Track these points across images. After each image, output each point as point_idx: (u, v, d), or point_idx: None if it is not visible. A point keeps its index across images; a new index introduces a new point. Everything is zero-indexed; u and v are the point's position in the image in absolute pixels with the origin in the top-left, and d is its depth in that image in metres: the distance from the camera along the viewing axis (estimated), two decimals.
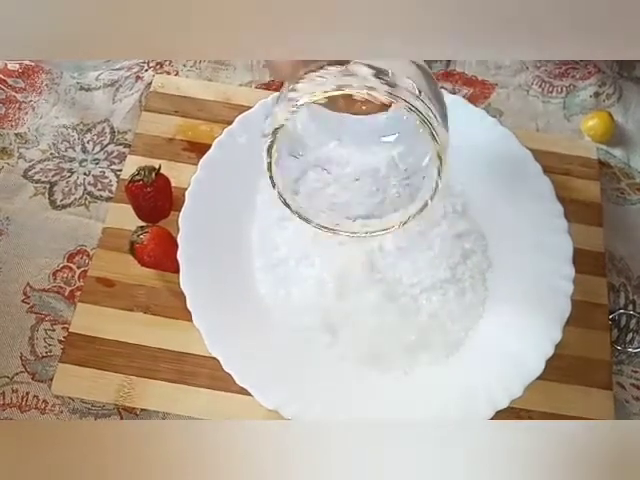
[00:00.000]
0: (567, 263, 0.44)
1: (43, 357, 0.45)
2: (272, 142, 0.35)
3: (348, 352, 0.43)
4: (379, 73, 0.31)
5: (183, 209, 0.45)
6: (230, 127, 0.48)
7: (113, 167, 0.52)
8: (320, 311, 0.44)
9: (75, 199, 0.51)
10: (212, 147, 0.47)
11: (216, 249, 0.45)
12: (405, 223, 0.37)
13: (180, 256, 0.43)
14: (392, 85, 0.31)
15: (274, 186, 0.37)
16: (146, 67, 0.57)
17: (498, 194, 0.48)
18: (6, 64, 0.57)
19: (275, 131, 0.34)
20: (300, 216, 0.40)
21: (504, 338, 0.43)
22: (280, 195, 0.38)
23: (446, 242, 0.46)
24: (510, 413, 0.42)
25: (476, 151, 0.48)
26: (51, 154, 0.53)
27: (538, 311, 0.43)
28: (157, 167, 0.47)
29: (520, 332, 0.43)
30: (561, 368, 0.44)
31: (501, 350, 0.42)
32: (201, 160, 0.47)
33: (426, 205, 0.36)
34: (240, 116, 0.48)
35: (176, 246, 0.43)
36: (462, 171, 0.48)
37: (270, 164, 0.36)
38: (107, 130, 0.54)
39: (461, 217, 0.48)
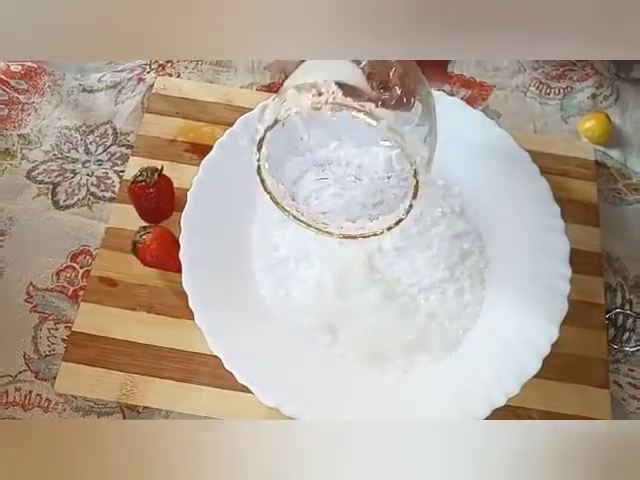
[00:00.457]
0: (564, 263, 0.45)
1: (46, 356, 0.46)
2: (258, 159, 0.36)
3: (348, 352, 0.44)
4: (301, 89, 0.33)
5: (185, 210, 0.45)
6: (231, 129, 0.48)
7: (116, 168, 0.53)
8: (320, 311, 0.44)
9: (78, 200, 0.52)
10: (213, 148, 0.48)
11: (217, 249, 0.45)
12: (397, 223, 0.37)
13: (182, 256, 0.43)
14: (320, 94, 0.32)
15: (271, 198, 0.38)
16: (148, 69, 0.58)
17: (496, 195, 0.48)
18: (9, 66, 0.57)
19: (259, 149, 0.35)
20: (298, 221, 0.40)
21: (501, 337, 0.43)
22: (278, 204, 0.39)
23: (444, 242, 0.47)
24: (508, 411, 0.42)
25: (474, 152, 0.49)
26: (54, 155, 0.53)
27: (535, 310, 0.43)
28: (159, 168, 0.48)
29: (517, 331, 0.43)
30: (558, 367, 0.45)
31: (498, 349, 0.43)
32: (202, 161, 0.47)
33: (411, 207, 0.36)
34: (241, 118, 0.49)
35: (178, 246, 0.44)
36: (460, 172, 0.49)
37: (263, 180, 0.37)
38: (110, 131, 0.55)
39: (459, 218, 0.48)
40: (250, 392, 0.40)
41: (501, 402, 0.40)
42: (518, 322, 0.44)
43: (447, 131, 0.50)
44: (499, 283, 0.46)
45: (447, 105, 0.50)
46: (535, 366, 0.41)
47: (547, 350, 0.41)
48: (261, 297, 0.45)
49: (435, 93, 0.50)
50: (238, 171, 0.47)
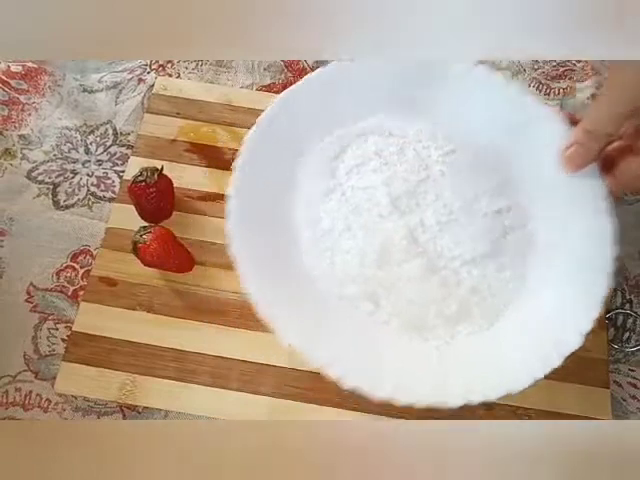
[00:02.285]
0: (606, 243, 0.44)
1: (46, 356, 0.46)
2: None
3: (391, 319, 0.43)
4: None
5: (232, 187, 0.43)
6: (271, 107, 0.46)
7: (116, 168, 0.53)
8: (362, 281, 0.44)
9: (78, 200, 0.52)
10: (254, 126, 0.45)
11: (265, 220, 0.44)
12: None
13: (230, 208, 0.42)
14: None
15: None
16: (148, 69, 0.58)
17: (538, 172, 0.46)
18: (9, 66, 0.57)
19: None
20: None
21: (542, 312, 0.43)
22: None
23: (487, 218, 0.46)
24: (508, 411, 0.43)
25: (517, 129, 0.47)
26: (54, 155, 0.53)
27: (576, 287, 0.43)
28: (159, 168, 0.48)
29: (558, 307, 0.43)
30: (558, 366, 0.45)
31: (539, 324, 0.42)
32: (244, 139, 0.45)
33: None
34: (281, 94, 0.47)
35: (178, 246, 0.44)
36: (504, 148, 0.48)
37: None
38: (110, 132, 0.55)
39: (501, 194, 0.47)
40: (249, 392, 0.40)
41: (541, 374, 0.39)
42: (558, 297, 0.43)
43: (490, 108, 0.48)
44: (541, 260, 0.45)
45: (485, 77, 0.48)
46: (576, 341, 0.40)
47: (588, 326, 0.41)
48: (307, 267, 0.44)
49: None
50: (279, 147, 0.46)
